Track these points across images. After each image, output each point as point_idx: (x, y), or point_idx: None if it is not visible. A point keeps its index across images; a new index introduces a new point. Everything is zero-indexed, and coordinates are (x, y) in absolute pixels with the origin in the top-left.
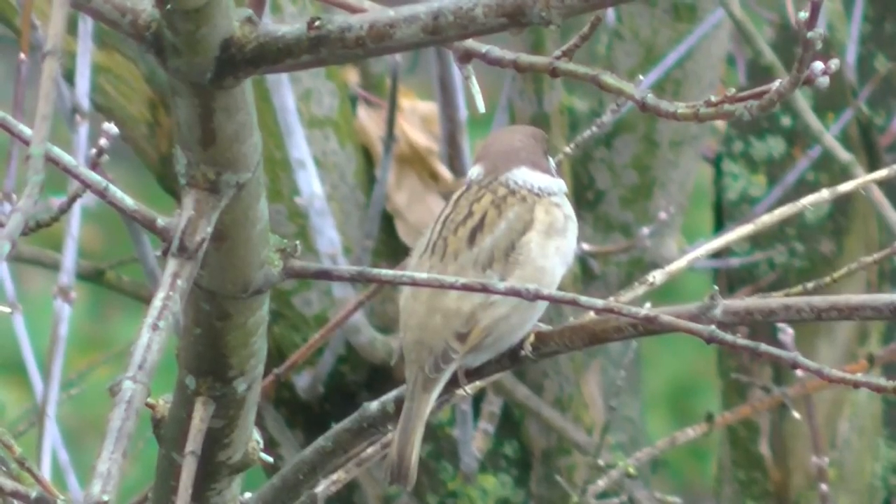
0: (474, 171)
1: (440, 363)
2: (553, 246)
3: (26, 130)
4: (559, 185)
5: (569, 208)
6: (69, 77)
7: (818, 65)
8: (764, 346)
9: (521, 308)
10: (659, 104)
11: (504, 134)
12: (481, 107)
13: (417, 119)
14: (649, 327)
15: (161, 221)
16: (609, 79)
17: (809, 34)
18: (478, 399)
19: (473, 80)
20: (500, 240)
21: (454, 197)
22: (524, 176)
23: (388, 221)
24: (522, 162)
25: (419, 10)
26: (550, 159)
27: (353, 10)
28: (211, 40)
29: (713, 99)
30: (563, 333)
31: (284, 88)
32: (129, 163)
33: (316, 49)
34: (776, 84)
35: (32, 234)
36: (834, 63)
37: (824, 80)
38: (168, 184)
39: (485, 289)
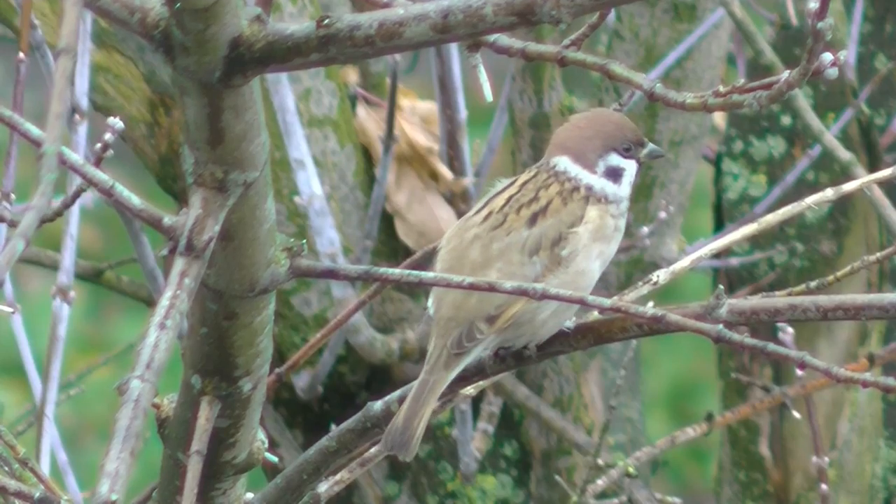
0: (561, 163)
1: (464, 341)
2: (597, 249)
3: (32, 129)
4: (625, 195)
5: (622, 221)
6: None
7: (827, 56)
8: (772, 346)
9: (553, 305)
10: (667, 94)
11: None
12: (489, 95)
13: (417, 119)
14: (655, 327)
15: (168, 220)
16: (617, 68)
17: (819, 24)
18: (477, 399)
19: (481, 68)
20: (550, 229)
21: (521, 179)
22: (602, 182)
23: (387, 221)
24: (603, 153)
25: (429, 9)
26: (623, 157)
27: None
28: (220, 39)
29: (721, 89)
30: (567, 333)
31: (284, 88)
32: (127, 163)
33: (325, 47)
34: (785, 75)
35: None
36: (843, 54)
37: (833, 72)
38: (167, 184)
39: (491, 288)
